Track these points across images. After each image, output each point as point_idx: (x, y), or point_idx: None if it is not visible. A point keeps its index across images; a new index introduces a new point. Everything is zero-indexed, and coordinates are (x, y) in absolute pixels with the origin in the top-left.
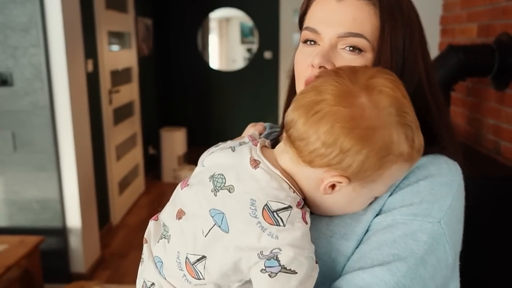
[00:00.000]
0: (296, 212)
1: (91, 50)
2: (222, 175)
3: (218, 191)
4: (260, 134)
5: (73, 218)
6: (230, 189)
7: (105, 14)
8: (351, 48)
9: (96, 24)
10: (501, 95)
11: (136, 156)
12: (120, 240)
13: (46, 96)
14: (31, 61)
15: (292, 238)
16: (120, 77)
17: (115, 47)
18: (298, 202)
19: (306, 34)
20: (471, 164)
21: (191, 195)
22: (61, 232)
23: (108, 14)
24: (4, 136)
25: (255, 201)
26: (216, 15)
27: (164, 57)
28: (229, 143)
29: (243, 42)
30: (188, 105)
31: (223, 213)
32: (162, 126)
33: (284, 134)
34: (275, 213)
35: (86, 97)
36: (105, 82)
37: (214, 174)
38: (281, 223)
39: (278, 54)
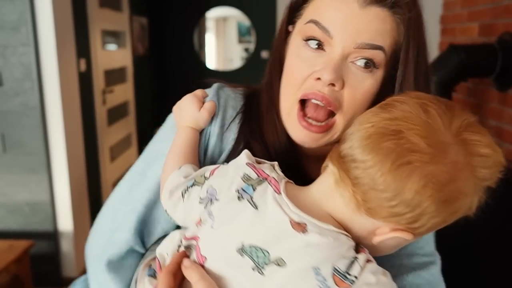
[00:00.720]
0: (362, 258)
1: (84, 49)
2: (259, 248)
3: (264, 268)
4: (213, 115)
5: (65, 221)
6: (280, 263)
7: (98, 13)
8: (367, 63)
9: (89, 23)
10: (503, 96)
11: (131, 157)
12: None
13: (37, 96)
14: (21, 61)
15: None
16: (114, 76)
17: (109, 46)
18: (353, 247)
19: (313, 29)
20: None
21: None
22: (53, 236)
23: (102, 12)
24: None
25: (320, 269)
26: (213, 14)
27: (159, 56)
28: (231, 178)
29: (240, 41)
30: None
31: None
32: (157, 126)
33: (337, 172)
34: (346, 274)
35: (79, 97)
36: (98, 82)
37: (243, 247)
38: (354, 279)
39: None
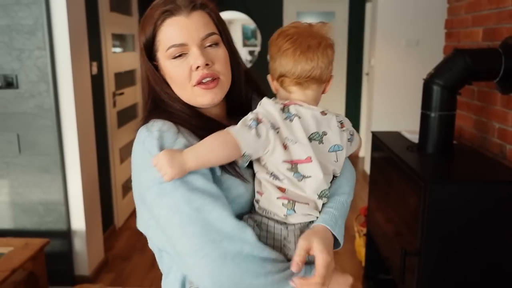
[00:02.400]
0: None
1: (95, 53)
2: (316, 132)
3: (322, 139)
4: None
5: (78, 221)
6: (325, 134)
7: (109, 17)
8: (212, 45)
9: (101, 27)
10: (507, 99)
11: None
12: (124, 243)
13: (51, 98)
14: (37, 64)
15: None
16: (124, 79)
17: (119, 49)
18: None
19: (173, 51)
20: (477, 168)
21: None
22: (66, 235)
23: (112, 16)
24: (9, 138)
25: (340, 123)
26: None
27: None
28: (275, 113)
29: (245, 44)
30: None
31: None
32: None
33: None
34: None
35: (91, 100)
36: (109, 84)
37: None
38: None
39: None
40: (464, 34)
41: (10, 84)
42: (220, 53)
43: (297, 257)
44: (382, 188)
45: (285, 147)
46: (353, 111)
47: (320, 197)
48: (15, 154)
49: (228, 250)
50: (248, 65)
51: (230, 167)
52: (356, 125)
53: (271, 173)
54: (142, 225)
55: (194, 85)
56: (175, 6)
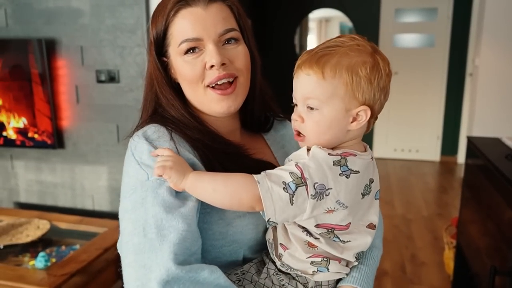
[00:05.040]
0: None
1: None
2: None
3: (376, 195)
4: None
5: None
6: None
7: None
8: (231, 41)
9: None
10: None
11: None
12: None
13: None
14: (136, 60)
15: None
16: None
17: None
18: None
19: (185, 46)
20: None
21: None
22: None
23: None
24: (110, 128)
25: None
26: (316, 16)
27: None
28: (327, 170)
29: None
30: None
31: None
32: None
33: None
34: None
35: None
36: None
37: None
38: None
39: None
40: None
41: (112, 78)
42: (240, 50)
43: None
44: (476, 199)
45: (330, 212)
46: (453, 115)
47: (357, 258)
48: (114, 143)
49: None
50: None
51: None
52: (456, 131)
53: (304, 228)
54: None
55: (207, 86)
56: None
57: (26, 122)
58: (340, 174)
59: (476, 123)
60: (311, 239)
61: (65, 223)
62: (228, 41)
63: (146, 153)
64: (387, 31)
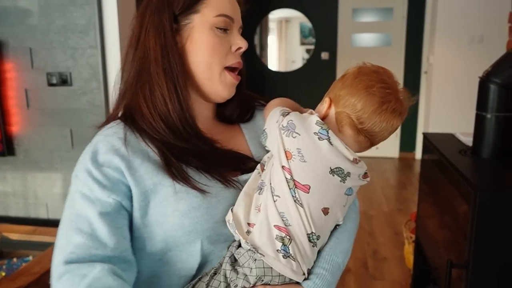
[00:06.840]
0: None
1: None
2: (340, 167)
3: (345, 179)
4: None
5: None
6: (349, 174)
7: None
8: (241, 29)
9: None
10: None
11: None
12: None
13: (102, 95)
14: (89, 62)
15: None
16: None
17: None
18: None
19: (224, 21)
20: None
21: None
22: None
23: None
24: (64, 133)
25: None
26: (276, 16)
27: None
28: (309, 124)
29: (302, 43)
30: None
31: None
32: None
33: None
34: None
35: None
36: None
37: (331, 169)
38: None
39: (335, 54)
40: None
41: (64, 81)
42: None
43: None
44: (433, 193)
45: (288, 156)
46: (410, 112)
47: (310, 239)
48: (68, 149)
49: None
50: (303, 63)
51: (180, 176)
52: (413, 127)
53: (271, 186)
54: None
55: (225, 67)
56: None
57: None
58: (315, 133)
59: (431, 119)
60: (274, 199)
61: (16, 234)
62: (241, 29)
63: (87, 157)
64: (345, 31)
